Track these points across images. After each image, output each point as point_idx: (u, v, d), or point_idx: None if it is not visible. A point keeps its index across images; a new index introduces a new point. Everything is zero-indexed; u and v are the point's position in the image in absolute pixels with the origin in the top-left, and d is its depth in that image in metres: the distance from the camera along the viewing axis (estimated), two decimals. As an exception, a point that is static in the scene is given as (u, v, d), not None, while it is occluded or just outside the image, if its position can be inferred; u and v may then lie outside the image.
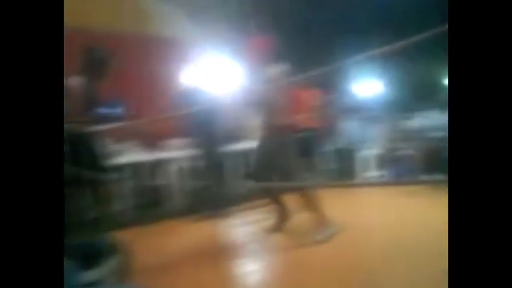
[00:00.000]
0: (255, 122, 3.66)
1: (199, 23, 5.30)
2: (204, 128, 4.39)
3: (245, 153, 4.97)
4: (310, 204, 3.37)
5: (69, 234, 2.80)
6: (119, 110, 3.56)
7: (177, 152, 5.01)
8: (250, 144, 4.41)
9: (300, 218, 3.53)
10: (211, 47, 5.13)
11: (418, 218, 4.02)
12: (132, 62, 5.28)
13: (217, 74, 4.50)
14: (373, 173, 6.33)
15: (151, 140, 5.19)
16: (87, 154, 3.32)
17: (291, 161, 3.39)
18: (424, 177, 5.80)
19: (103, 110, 3.47)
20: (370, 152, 6.37)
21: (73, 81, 3.30)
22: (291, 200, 3.58)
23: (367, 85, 7.69)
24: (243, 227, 3.98)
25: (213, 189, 4.48)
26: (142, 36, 5.50)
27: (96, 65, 3.42)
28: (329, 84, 6.47)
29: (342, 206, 4.67)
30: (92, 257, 1.59)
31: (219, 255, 3.18)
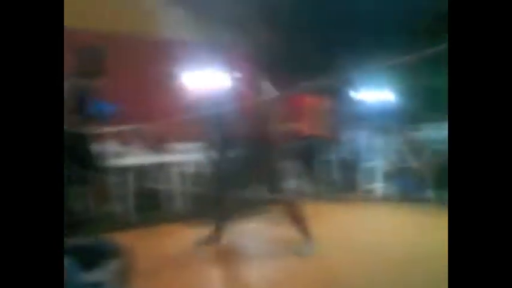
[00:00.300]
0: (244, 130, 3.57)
1: (204, 25, 5.30)
2: (213, 133, 4.39)
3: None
4: (295, 218, 3.30)
5: (69, 234, 2.85)
6: (114, 111, 3.57)
7: (180, 156, 5.02)
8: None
9: (285, 231, 3.47)
10: (214, 49, 5.12)
11: (417, 237, 3.88)
12: (132, 63, 5.31)
13: (218, 77, 4.50)
14: (377, 186, 6.19)
15: (155, 143, 5.21)
16: (81, 154, 3.35)
17: (276, 171, 3.30)
18: (429, 193, 5.67)
19: (99, 110, 3.48)
20: (375, 163, 6.23)
21: (69, 81, 3.30)
22: (277, 212, 3.50)
23: (375, 94, 7.60)
24: (242, 234, 3.93)
25: (215, 195, 4.46)
26: (144, 38, 5.53)
27: (87, 64, 3.43)
28: (336, 92, 6.41)
29: (335, 220, 4.61)
30: (93, 258, 1.60)
31: (215, 260, 3.23)
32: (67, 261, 1.48)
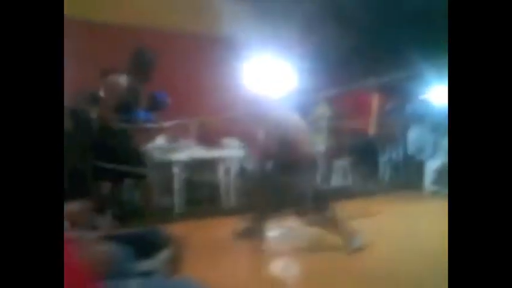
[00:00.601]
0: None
1: (265, 25, 5.16)
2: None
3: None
4: (327, 226, 3.24)
5: (122, 224, 2.96)
6: (154, 119, 3.67)
7: (230, 151, 5.06)
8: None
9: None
10: (272, 51, 5.00)
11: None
12: (186, 61, 5.34)
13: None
14: (440, 184, 5.82)
15: (209, 138, 5.25)
16: (128, 150, 3.44)
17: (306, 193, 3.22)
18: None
19: (140, 118, 3.56)
20: (439, 161, 5.89)
21: (120, 79, 3.41)
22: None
23: (440, 91, 7.20)
24: (290, 230, 3.88)
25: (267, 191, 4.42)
26: (203, 34, 5.55)
27: (143, 68, 3.49)
28: (400, 89, 6.19)
29: (396, 216, 4.53)
30: (145, 247, 1.61)
31: (263, 254, 3.32)
32: (120, 250, 1.48)
